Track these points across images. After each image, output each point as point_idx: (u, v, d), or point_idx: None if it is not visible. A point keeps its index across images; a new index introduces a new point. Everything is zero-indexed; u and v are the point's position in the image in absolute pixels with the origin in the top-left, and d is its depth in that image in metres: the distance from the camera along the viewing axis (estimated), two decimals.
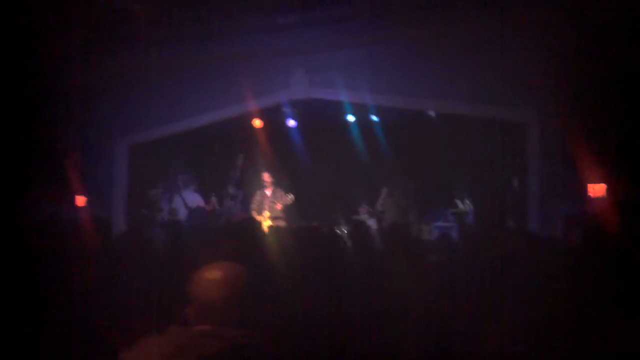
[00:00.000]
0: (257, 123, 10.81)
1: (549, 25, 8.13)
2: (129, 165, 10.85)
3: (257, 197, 10.06)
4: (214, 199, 10.46)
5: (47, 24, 9.16)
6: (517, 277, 3.10)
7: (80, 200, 10.38)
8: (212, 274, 1.95)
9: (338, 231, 9.86)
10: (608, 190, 7.58)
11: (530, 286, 2.97)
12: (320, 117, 10.79)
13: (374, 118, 10.90)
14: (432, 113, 9.93)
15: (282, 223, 9.64)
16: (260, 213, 9.85)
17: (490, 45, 8.48)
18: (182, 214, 10.10)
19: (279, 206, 9.76)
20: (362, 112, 10.59)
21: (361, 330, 2.80)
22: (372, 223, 10.08)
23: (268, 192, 9.96)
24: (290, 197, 9.76)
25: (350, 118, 10.92)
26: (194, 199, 10.40)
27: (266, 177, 10.01)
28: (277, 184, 10.06)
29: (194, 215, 9.74)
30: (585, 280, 3.04)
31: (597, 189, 7.64)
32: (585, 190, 7.70)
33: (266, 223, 9.63)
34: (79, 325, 3.01)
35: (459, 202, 10.66)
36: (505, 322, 2.85)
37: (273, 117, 10.76)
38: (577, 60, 7.83)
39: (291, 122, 11.09)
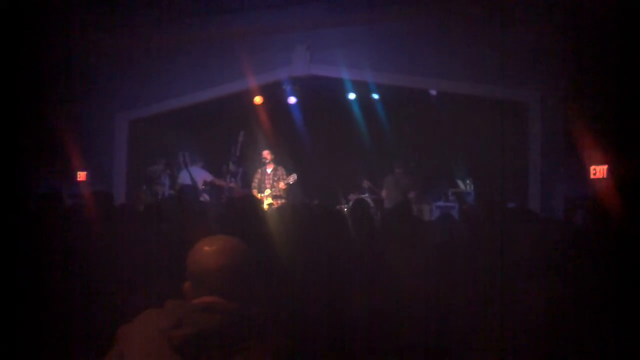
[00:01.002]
0: (258, 100, 10.76)
1: (551, 4, 8.08)
2: (130, 140, 10.83)
3: (257, 175, 10.02)
4: (231, 180, 10.41)
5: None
6: (518, 258, 3.09)
7: (81, 176, 10.39)
8: (209, 246, 1.93)
9: (338, 208, 9.88)
10: (610, 171, 7.56)
11: (532, 267, 2.96)
12: (321, 95, 10.74)
13: (375, 96, 10.85)
14: (433, 92, 9.88)
15: (282, 201, 9.61)
16: (261, 191, 9.82)
17: (492, 24, 8.43)
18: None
19: (280, 184, 9.72)
20: (363, 90, 10.54)
21: (361, 306, 2.79)
22: (370, 201, 10.08)
23: (269, 170, 9.92)
24: (292, 176, 9.72)
25: (351, 96, 10.87)
26: (201, 175, 10.41)
27: (267, 154, 9.96)
28: (278, 161, 10.03)
29: (185, 191, 9.73)
30: (587, 261, 3.03)
31: (598, 170, 7.62)
32: (587, 171, 7.69)
33: (267, 201, 9.60)
34: (77, 299, 3.01)
35: (460, 182, 10.63)
36: (507, 302, 2.84)
37: (274, 93, 10.71)
38: (580, 40, 7.79)
39: (292, 99, 11.03)
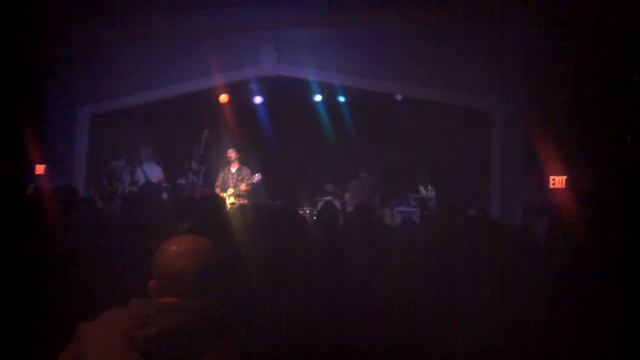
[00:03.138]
0: (223, 98, 10.70)
1: (516, 13, 8.22)
2: (91, 135, 10.68)
3: (221, 174, 9.95)
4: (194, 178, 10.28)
5: None
6: (476, 263, 3.14)
7: (41, 170, 10.19)
8: (178, 246, 1.92)
9: (302, 211, 9.88)
10: (568, 181, 7.71)
11: (489, 272, 3.01)
12: (288, 95, 10.74)
13: (341, 99, 10.89)
14: (398, 96, 9.97)
15: (246, 201, 9.56)
16: (224, 190, 9.75)
17: (457, 32, 8.55)
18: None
19: (243, 185, 9.67)
20: (329, 92, 10.57)
21: (323, 306, 2.81)
22: (336, 204, 10.09)
23: (233, 169, 9.86)
24: (257, 177, 9.67)
25: (318, 97, 10.89)
26: (155, 173, 10.25)
27: (231, 153, 9.91)
28: (242, 161, 9.97)
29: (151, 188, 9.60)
30: (544, 268, 3.10)
31: (558, 180, 7.77)
32: (546, 180, 7.83)
33: (229, 200, 9.53)
34: (38, 299, 2.97)
35: (421, 188, 10.73)
36: (465, 305, 2.89)
37: (240, 92, 10.66)
38: (544, 49, 7.95)
39: (258, 99, 11.01)
